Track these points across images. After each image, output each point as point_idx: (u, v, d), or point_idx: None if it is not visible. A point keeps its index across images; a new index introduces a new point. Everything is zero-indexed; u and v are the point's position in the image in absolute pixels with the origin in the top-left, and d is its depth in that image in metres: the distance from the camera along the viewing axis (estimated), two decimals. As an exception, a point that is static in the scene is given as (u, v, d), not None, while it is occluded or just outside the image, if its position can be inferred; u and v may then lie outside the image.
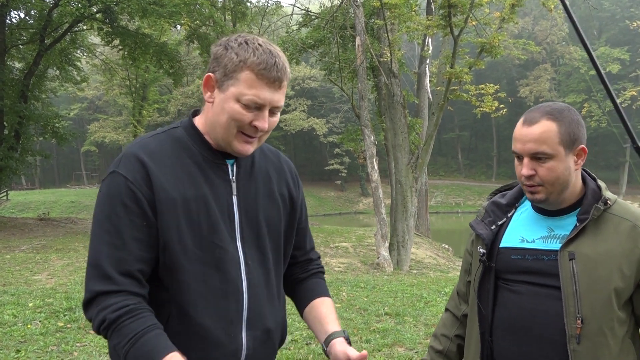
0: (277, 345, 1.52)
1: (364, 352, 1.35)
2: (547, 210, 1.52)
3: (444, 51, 13.31)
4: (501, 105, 12.66)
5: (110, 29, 17.35)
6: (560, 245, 1.44)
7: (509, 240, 1.54)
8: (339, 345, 1.40)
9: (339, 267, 11.35)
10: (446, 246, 18.31)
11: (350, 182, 50.18)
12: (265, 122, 1.33)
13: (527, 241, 1.50)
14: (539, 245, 1.48)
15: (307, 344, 4.94)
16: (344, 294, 7.62)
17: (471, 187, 49.93)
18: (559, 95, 47.95)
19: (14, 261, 9.86)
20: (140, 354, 1.21)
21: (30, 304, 5.94)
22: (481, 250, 1.56)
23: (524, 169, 1.44)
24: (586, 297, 1.38)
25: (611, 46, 44.22)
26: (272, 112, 1.35)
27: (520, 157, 1.46)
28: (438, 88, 13.12)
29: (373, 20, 12.95)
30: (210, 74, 1.35)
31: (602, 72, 1.69)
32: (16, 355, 4.24)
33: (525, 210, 1.58)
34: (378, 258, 11.41)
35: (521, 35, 39.63)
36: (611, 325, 1.39)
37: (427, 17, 12.41)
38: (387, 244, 11.65)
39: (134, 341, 1.21)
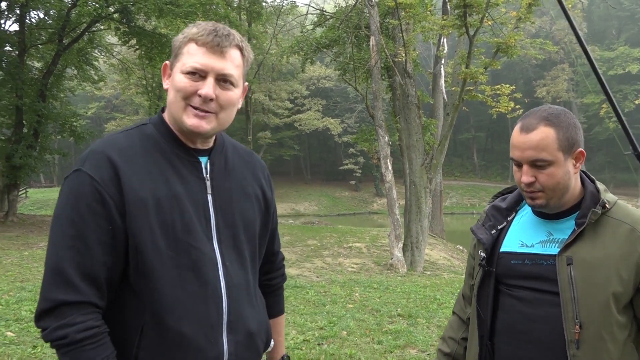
0: (261, 349, 1.47)
1: None
2: (546, 214, 1.51)
3: (459, 51, 13.22)
4: (517, 106, 12.52)
5: (127, 29, 17.52)
6: (559, 249, 1.43)
7: (509, 244, 1.54)
8: None
9: (352, 267, 11.34)
10: (461, 247, 18.19)
11: (365, 182, 50.03)
12: (210, 89, 1.26)
13: (527, 246, 1.51)
14: (538, 249, 1.48)
15: (319, 344, 4.94)
16: (356, 294, 7.62)
17: (487, 188, 49.42)
18: (577, 96, 47.29)
19: (31, 258, 10.02)
20: None
21: (47, 301, 6.03)
22: (481, 254, 1.56)
23: (524, 176, 1.44)
24: (584, 302, 1.37)
25: (631, 46, 43.43)
26: (222, 85, 1.30)
27: (519, 164, 1.46)
28: (453, 88, 13.04)
29: (388, 20, 12.91)
30: (166, 62, 1.36)
31: (600, 72, 1.66)
32: (32, 351, 4.31)
33: (525, 214, 1.58)
34: (392, 259, 11.38)
35: (538, 35, 39.19)
36: (610, 330, 1.37)
37: (443, 17, 12.33)
38: (400, 245, 11.61)
39: None
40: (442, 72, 14.04)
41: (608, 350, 1.37)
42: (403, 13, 11.39)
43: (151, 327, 1.24)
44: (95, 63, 21.27)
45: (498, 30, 12.46)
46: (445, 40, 13.87)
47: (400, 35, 11.78)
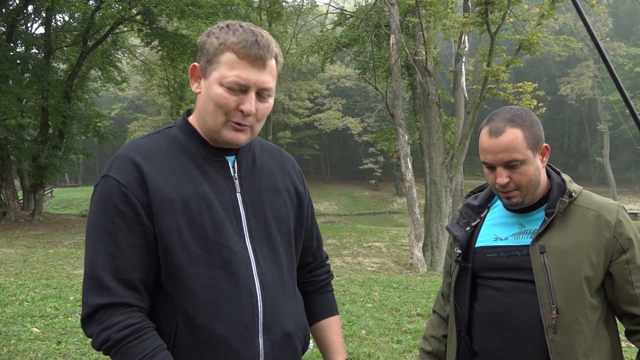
0: (299, 351, 1.42)
1: None
2: (517, 209, 1.58)
3: (480, 49, 13.07)
4: (540, 104, 12.33)
5: (149, 31, 17.79)
6: (531, 239, 1.50)
7: (483, 239, 1.61)
8: None
9: (372, 266, 11.31)
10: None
11: (385, 182, 49.84)
12: (252, 105, 1.24)
13: (501, 239, 1.57)
14: (511, 242, 1.55)
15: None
16: (376, 294, 7.60)
17: (509, 188, 48.80)
18: (602, 93, 46.29)
19: (56, 256, 10.23)
20: None
21: (72, 298, 6.15)
22: (457, 251, 1.63)
23: (499, 178, 1.50)
24: (559, 287, 1.44)
25: (659, 42, 42.45)
26: (261, 97, 1.27)
27: (491, 167, 1.52)
28: (474, 86, 12.90)
29: (408, 18, 12.84)
30: (195, 63, 1.29)
31: (612, 67, 1.67)
32: (57, 347, 4.40)
33: (497, 210, 1.65)
34: (411, 258, 11.32)
35: (562, 32, 38.46)
36: (584, 313, 1.44)
37: (464, 14, 12.21)
38: (420, 245, 11.55)
39: None
40: (463, 70, 13.84)
41: (583, 332, 1.44)
42: (423, 11, 11.30)
43: (184, 328, 1.22)
44: (119, 64, 21.63)
45: (520, 27, 12.27)
46: (466, 37, 13.68)
47: (421, 33, 11.70)
